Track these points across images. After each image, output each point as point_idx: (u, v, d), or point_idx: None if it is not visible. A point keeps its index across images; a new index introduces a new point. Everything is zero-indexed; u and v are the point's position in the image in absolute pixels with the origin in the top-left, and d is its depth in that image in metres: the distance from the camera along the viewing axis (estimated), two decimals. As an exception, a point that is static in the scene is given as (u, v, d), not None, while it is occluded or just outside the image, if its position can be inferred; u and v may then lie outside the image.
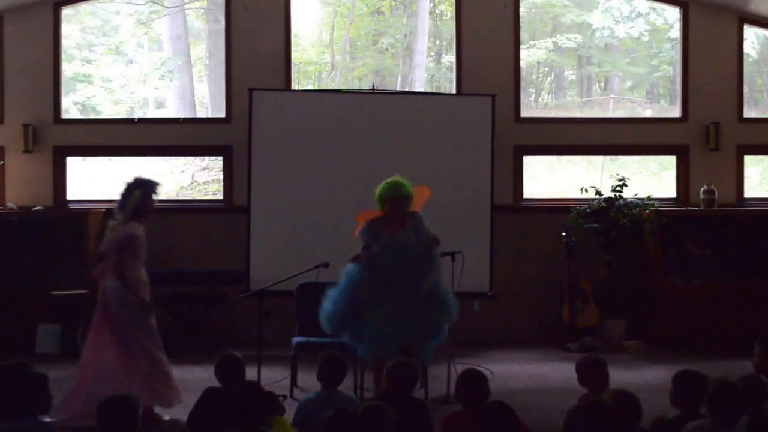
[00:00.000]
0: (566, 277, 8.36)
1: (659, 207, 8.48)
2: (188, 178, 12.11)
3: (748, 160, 9.30)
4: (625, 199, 8.48)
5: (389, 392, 4.30)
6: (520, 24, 9.03)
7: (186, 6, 12.68)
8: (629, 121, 9.98)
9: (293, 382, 6.43)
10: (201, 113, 12.98)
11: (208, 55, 13.05)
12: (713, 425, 3.57)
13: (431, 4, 13.64)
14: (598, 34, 13.22)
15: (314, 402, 4.44)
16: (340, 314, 5.82)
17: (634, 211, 8.33)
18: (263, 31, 8.81)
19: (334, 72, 13.89)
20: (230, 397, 4.35)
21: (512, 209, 8.79)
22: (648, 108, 13.46)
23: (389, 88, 12.64)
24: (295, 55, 11.07)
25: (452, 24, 9.38)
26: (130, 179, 5.76)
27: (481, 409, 3.74)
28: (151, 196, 5.71)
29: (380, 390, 4.34)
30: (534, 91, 14.73)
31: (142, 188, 5.66)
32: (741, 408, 3.63)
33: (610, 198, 8.48)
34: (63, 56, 9.03)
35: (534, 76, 14.66)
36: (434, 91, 12.70)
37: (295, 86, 10.59)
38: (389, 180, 5.91)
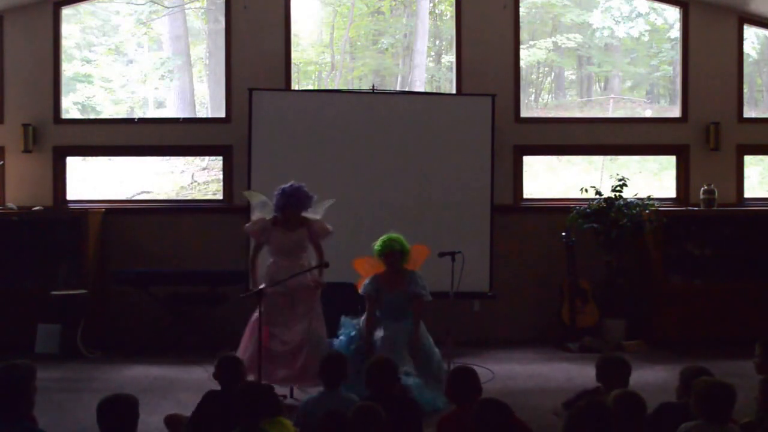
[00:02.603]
0: (566, 277, 8.36)
1: (659, 207, 8.47)
2: (188, 178, 12.09)
3: (748, 160, 9.30)
4: (625, 199, 8.47)
5: (375, 391, 4.31)
6: (520, 24, 9.03)
7: (186, 6, 12.69)
8: (629, 121, 9.97)
9: (293, 382, 6.41)
10: (201, 113, 12.98)
11: (208, 55, 13.06)
12: (707, 425, 3.57)
13: (431, 4, 13.64)
14: (598, 34, 13.22)
15: (316, 402, 4.44)
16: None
17: (634, 211, 8.33)
18: (263, 31, 8.81)
19: (334, 72, 13.89)
20: (231, 399, 4.36)
21: (512, 209, 8.79)
22: (648, 108, 13.47)
23: (389, 88, 12.65)
24: (295, 55, 11.08)
25: (452, 24, 9.37)
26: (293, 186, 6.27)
27: (474, 407, 3.74)
28: (280, 206, 6.23)
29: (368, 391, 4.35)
30: (534, 91, 14.74)
31: (281, 196, 6.21)
32: (732, 407, 3.64)
33: (610, 198, 8.47)
34: (63, 56, 9.02)
35: (534, 76, 14.67)
36: (434, 91, 12.72)
37: (295, 86, 10.59)
38: (384, 236, 6.28)
